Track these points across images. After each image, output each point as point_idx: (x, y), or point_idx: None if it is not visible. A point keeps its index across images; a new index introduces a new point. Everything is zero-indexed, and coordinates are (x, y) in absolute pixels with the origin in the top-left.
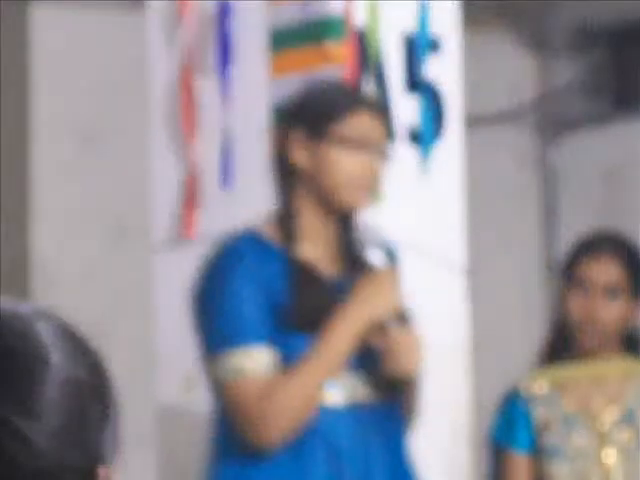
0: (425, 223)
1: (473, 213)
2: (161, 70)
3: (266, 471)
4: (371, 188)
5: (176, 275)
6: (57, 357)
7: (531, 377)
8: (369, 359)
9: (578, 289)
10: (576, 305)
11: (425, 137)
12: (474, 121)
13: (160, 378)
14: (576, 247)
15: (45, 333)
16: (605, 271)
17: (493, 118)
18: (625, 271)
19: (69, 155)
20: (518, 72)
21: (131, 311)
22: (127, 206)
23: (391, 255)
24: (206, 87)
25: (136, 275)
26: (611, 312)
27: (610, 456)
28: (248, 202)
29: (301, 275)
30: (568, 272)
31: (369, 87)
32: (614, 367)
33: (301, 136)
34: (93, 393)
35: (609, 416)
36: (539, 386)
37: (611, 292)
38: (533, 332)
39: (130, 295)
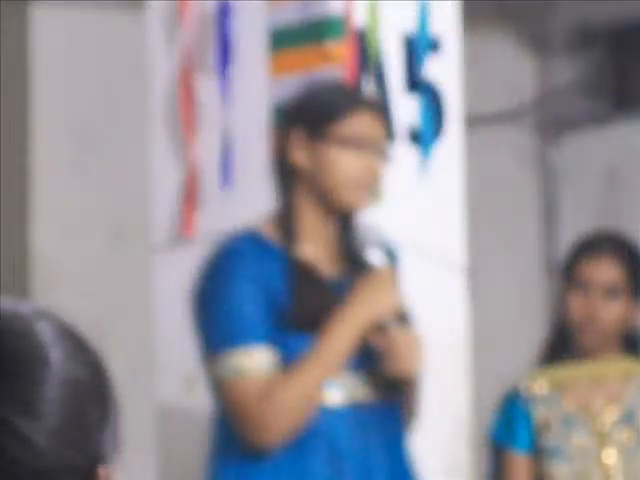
0: (425, 223)
1: (473, 213)
2: (161, 70)
3: (266, 471)
4: (371, 188)
5: (176, 275)
6: (57, 357)
7: (531, 377)
8: (369, 359)
9: (578, 289)
10: (576, 305)
11: (425, 137)
12: (474, 121)
13: (160, 378)
14: (576, 247)
15: (45, 333)
16: (605, 271)
17: (493, 118)
18: (625, 271)
19: (69, 155)
20: (518, 72)
21: (131, 311)
22: (127, 206)
23: (391, 255)
24: (206, 87)
25: (136, 275)
26: (611, 312)
27: (610, 456)
28: (248, 202)
29: (301, 275)
30: (568, 272)
31: (369, 87)
32: (614, 367)
33: (301, 136)
34: (93, 393)
35: (609, 416)
36: (539, 386)
37: (611, 292)
38: (533, 332)
39: (130, 295)
